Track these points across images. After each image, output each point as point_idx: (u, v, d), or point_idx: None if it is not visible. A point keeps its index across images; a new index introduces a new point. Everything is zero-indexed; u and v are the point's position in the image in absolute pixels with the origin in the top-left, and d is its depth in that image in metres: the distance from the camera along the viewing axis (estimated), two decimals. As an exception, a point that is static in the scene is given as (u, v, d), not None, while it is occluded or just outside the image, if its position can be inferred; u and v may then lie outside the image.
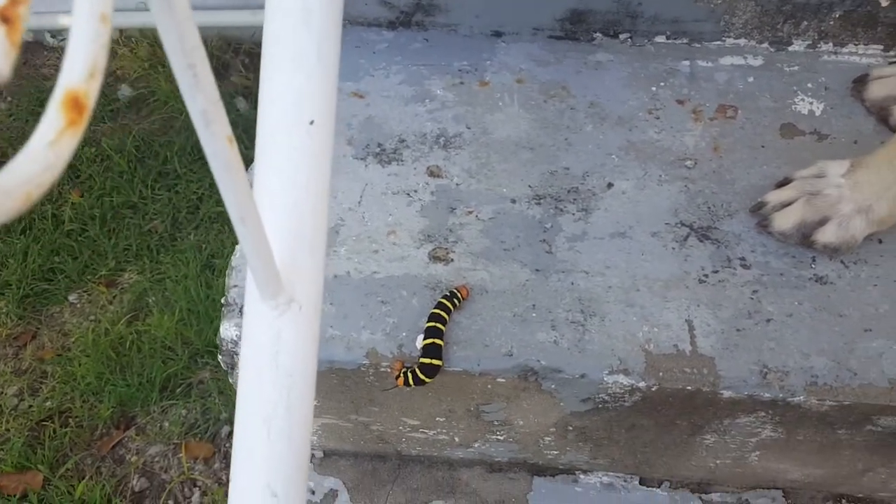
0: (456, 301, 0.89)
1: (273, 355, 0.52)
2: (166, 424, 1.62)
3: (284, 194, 0.55)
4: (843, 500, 1.09)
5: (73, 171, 2.08)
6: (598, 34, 1.18)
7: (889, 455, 0.97)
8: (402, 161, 1.04)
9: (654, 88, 1.12)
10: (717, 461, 1.03)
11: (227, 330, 0.89)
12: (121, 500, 1.50)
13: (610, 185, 1.02)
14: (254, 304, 0.52)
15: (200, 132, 0.39)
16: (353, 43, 1.16)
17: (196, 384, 1.65)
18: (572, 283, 0.93)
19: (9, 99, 2.33)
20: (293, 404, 0.52)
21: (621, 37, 1.18)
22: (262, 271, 0.49)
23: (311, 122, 0.56)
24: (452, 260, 0.95)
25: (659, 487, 1.11)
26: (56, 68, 2.43)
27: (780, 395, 0.86)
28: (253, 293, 0.52)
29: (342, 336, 0.89)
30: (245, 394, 0.53)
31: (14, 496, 1.48)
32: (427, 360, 0.85)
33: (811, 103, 1.09)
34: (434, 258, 0.95)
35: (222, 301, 0.92)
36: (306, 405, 0.53)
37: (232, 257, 0.96)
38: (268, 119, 0.56)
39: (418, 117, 1.08)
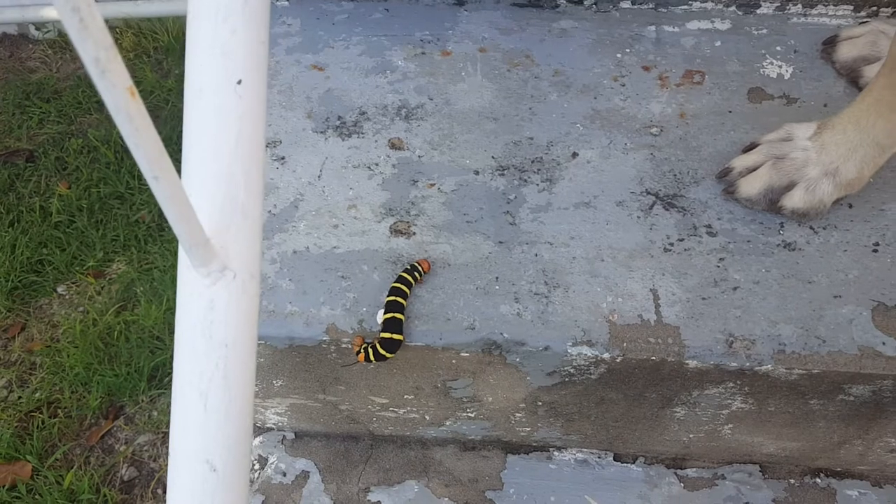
0: (417, 275, 0.87)
1: (207, 326, 0.50)
2: (155, 414, 1.62)
3: (213, 158, 0.53)
4: (822, 474, 1.08)
5: (61, 163, 2.07)
6: (562, 1, 1.15)
7: (864, 426, 0.95)
8: (362, 134, 1.02)
9: (619, 55, 1.09)
10: (691, 435, 1.01)
11: (182, 308, 0.87)
12: (110, 490, 1.49)
13: (575, 155, 1.00)
14: (185, 272, 0.50)
15: (97, 82, 0.37)
16: (312, 14, 1.14)
17: (183, 373, 1.64)
18: (536, 255, 0.91)
19: (-6, 93, 2.32)
20: (230, 376, 0.50)
21: (586, 3, 1.15)
22: (189, 236, 0.47)
23: (239, 82, 0.53)
24: (414, 233, 0.93)
25: (633, 463, 1.09)
26: (42, 61, 2.42)
27: (747, 364, 0.84)
28: (184, 261, 0.50)
29: (301, 312, 0.87)
30: (180, 366, 0.51)
31: (3, 487, 1.48)
32: (387, 335, 0.84)
33: (780, 67, 1.07)
34: (395, 232, 0.93)
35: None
36: (245, 377, 0.51)
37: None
38: (193, 79, 0.54)
39: (379, 89, 1.06)
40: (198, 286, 0.50)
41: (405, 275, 0.87)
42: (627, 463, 1.09)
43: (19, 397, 1.63)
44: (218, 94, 0.53)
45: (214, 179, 0.52)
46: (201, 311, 0.50)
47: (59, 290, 1.83)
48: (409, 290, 0.87)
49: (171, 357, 1.46)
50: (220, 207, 0.52)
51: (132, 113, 0.39)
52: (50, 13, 2.37)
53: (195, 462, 0.49)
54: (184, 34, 2.18)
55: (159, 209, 1.96)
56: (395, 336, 0.84)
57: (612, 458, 1.09)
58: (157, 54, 2.34)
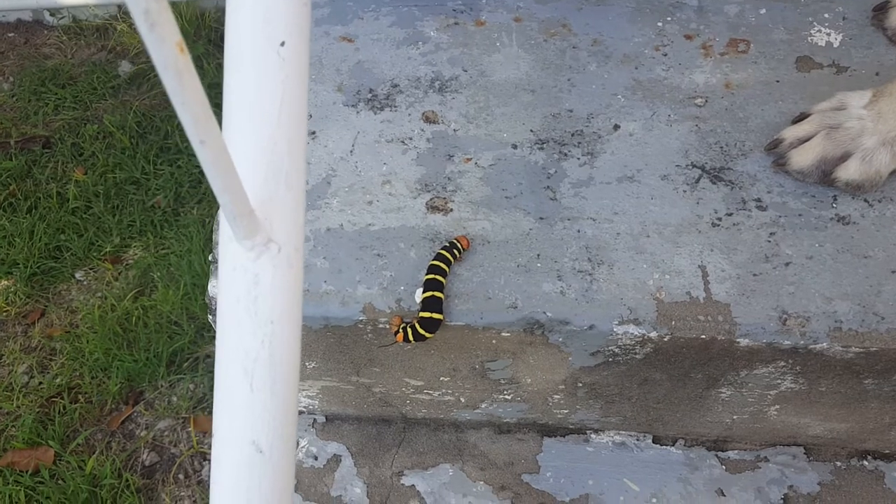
0: (456, 252, 0.84)
1: (251, 302, 0.47)
2: (174, 399, 1.61)
3: (255, 124, 0.50)
4: (869, 457, 1.05)
5: (77, 149, 2.06)
6: (600, -31, 1.12)
7: (918, 406, 0.92)
8: (395, 107, 0.98)
9: (660, 23, 1.05)
10: (734, 417, 0.98)
11: (214, 287, 0.84)
12: (131, 475, 1.48)
13: (616, 127, 0.96)
14: (228, 245, 0.47)
15: (145, 37, 0.34)
16: (341, -15, 1.11)
17: (203, 358, 1.63)
18: (578, 231, 0.88)
19: (11, 79, 2.30)
20: (276, 353, 0.48)
21: (625, -29, 1.11)
22: (233, 206, 0.44)
23: (282, 44, 0.50)
24: (451, 210, 0.90)
25: (673, 446, 1.06)
26: (56, 47, 2.39)
27: (802, 343, 0.81)
28: (226, 234, 0.47)
29: (337, 291, 0.85)
30: (224, 344, 0.48)
31: (27, 472, 1.47)
32: (427, 315, 0.81)
33: (829, 34, 1.03)
34: (432, 208, 0.90)
35: (209, 258, 0.87)
36: (291, 354, 0.49)
37: (220, 211, 0.91)
38: (234, 43, 0.51)
39: (411, 60, 1.03)
40: (241, 260, 0.48)
41: (444, 252, 0.84)
42: (667, 445, 1.07)
43: (40, 383, 1.63)
44: (260, 57, 0.50)
45: (257, 147, 0.49)
46: (245, 286, 0.47)
47: (78, 275, 1.83)
48: (449, 268, 0.84)
49: (190, 342, 1.45)
50: (264, 177, 0.49)
51: (181, 69, 0.36)
52: (64, -2, 2.35)
53: (241, 443, 0.47)
54: (198, 19, 2.15)
55: (175, 192, 1.95)
56: (435, 315, 0.81)
57: (650, 441, 1.06)
58: (171, 37, 2.31)
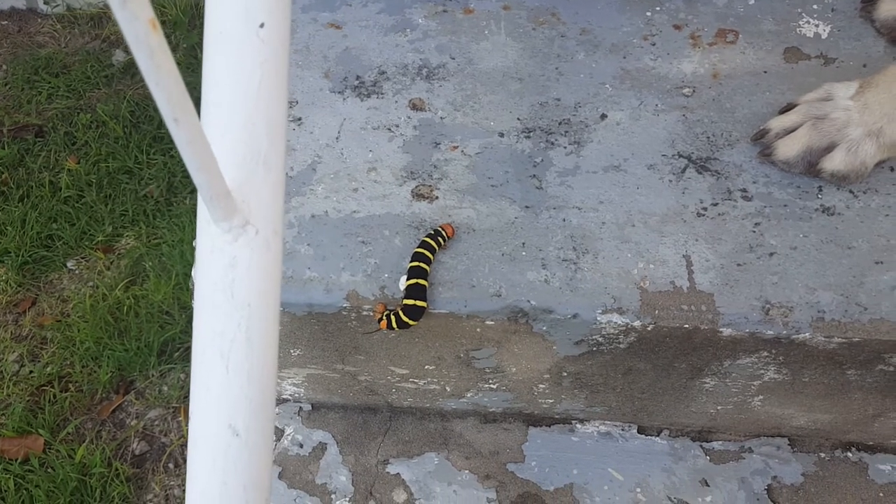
0: (441, 240, 0.84)
1: (228, 284, 0.47)
2: (165, 388, 1.61)
3: (233, 105, 0.49)
4: (853, 448, 1.05)
5: (69, 138, 2.05)
6: (590, -42, 1.11)
7: (901, 397, 0.92)
8: (382, 94, 0.98)
9: (649, 13, 1.05)
10: (719, 407, 0.99)
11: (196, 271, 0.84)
12: (121, 464, 1.48)
13: (603, 116, 0.96)
14: (205, 227, 0.47)
15: (117, 13, 0.34)
16: (329, -28, 1.10)
17: (194, 348, 1.63)
18: (564, 220, 0.88)
19: (4, 67, 2.30)
20: (253, 336, 0.47)
21: (615, -40, 1.11)
22: (209, 187, 0.43)
23: (261, 25, 0.50)
24: (437, 197, 0.90)
25: (658, 436, 1.07)
26: (50, 36, 2.38)
27: (784, 332, 0.81)
28: (203, 216, 0.47)
29: (321, 278, 0.84)
30: (200, 327, 0.48)
31: (16, 460, 1.47)
32: (411, 302, 0.81)
33: (817, 26, 1.02)
34: (417, 196, 0.90)
35: (193, 244, 0.87)
36: (269, 338, 0.49)
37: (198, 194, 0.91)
38: (213, 24, 0.50)
39: (399, 48, 1.02)
40: (219, 242, 0.47)
41: (428, 240, 0.84)
42: (652, 435, 1.07)
43: (31, 371, 1.63)
44: (239, 37, 0.50)
45: (235, 129, 0.49)
46: (222, 269, 0.47)
47: (69, 264, 1.82)
48: (433, 255, 0.84)
49: (181, 332, 1.45)
50: (242, 158, 0.48)
51: (153, 47, 0.36)
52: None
53: (217, 426, 0.47)
54: (192, 9, 2.14)
55: (168, 182, 1.94)
56: (419, 303, 0.81)
57: (635, 431, 1.07)
58: (165, 28, 2.30)
